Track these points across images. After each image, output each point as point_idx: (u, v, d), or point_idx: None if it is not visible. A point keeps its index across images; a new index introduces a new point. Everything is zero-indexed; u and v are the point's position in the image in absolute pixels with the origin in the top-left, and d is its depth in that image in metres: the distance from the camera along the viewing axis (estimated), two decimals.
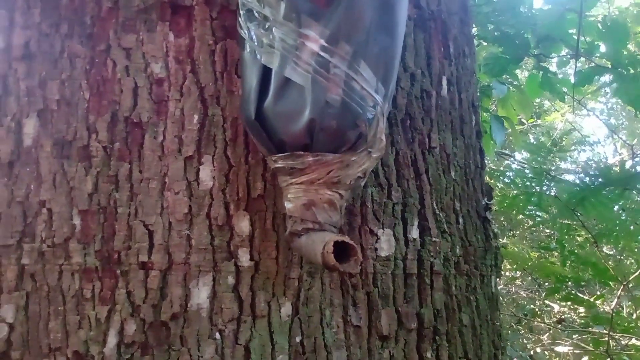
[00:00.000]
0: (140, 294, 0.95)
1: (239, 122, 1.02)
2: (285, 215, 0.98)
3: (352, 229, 1.10)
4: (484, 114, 3.27)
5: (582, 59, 3.03)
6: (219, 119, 1.02)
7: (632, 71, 2.36)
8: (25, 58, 1.02)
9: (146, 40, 1.01)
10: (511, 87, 3.30)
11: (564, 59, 2.99)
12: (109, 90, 1.00)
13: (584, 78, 2.88)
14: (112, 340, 0.94)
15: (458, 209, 1.26)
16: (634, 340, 3.54)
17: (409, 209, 1.16)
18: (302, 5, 0.89)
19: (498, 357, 1.25)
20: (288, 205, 0.94)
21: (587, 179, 2.19)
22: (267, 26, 0.91)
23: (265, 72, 0.91)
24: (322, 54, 0.88)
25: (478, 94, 1.52)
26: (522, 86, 3.54)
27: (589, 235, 2.58)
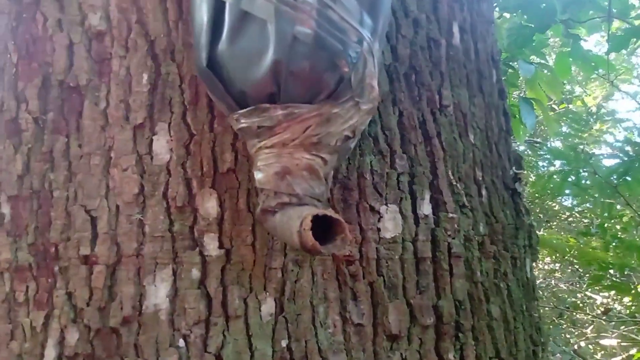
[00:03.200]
0: (83, 295, 0.77)
1: (201, 80, 0.83)
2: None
3: (348, 206, 0.90)
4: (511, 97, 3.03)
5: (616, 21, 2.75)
6: (174, 77, 0.84)
7: None
8: None
9: None
10: (538, 67, 3.05)
11: (596, 22, 2.70)
12: (40, 50, 0.83)
13: (619, 42, 2.60)
14: (50, 352, 0.76)
15: (480, 179, 1.04)
16: None
17: (418, 179, 0.95)
18: None
19: (538, 355, 1.03)
20: (258, 175, 0.75)
21: (629, 148, 1.92)
22: None
23: (219, 8, 0.72)
24: None
25: (498, 49, 1.29)
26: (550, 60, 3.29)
27: (634, 215, 2.30)
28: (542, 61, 3.18)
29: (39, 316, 0.77)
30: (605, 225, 3.17)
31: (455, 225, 0.96)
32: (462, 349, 0.91)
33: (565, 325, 5.18)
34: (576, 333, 5.01)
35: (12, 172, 0.81)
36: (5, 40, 0.84)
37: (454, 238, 0.95)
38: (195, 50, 0.74)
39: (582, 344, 4.73)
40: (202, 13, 0.72)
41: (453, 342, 0.90)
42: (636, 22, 2.58)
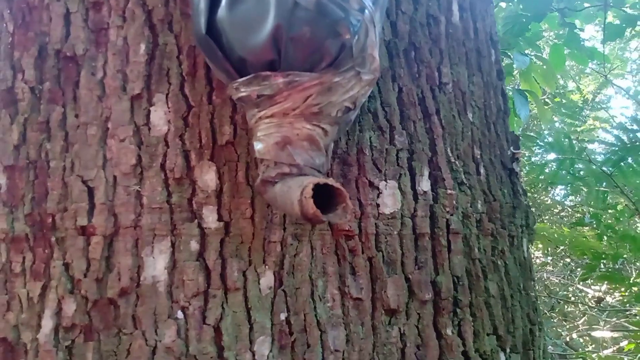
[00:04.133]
0: (80, 266, 0.76)
1: (199, 51, 0.83)
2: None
3: (348, 181, 0.89)
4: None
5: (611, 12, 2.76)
6: (172, 48, 0.83)
7: None
8: None
9: None
10: (533, 59, 3.06)
11: (591, 11, 2.71)
12: (36, 19, 0.81)
13: (614, 31, 2.62)
14: (47, 323, 0.75)
15: (478, 157, 1.04)
16: None
17: (417, 156, 0.95)
18: None
19: (535, 334, 1.03)
20: (258, 145, 0.75)
21: (625, 136, 1.93)
22: None
23: None
24: None
25: (496, 29, 1.29)
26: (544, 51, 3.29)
27: (627, 204, 2.31)
28: (537, 53, 3.19)
29: (36, 287, 0.76)
30: (599, 215, 3.19)
31: (454, 202, 0.96)
32: (460, 324, 0.91)
33: (557, 319, 5.21)
34: (568, 326, 5.05)
35: (8, 141, 0.80)
36: (1, 9, 0.82)
37: (452, 215, 0.95)
38: (194, 16, 0.73)
39: (574, 336, 4.77)
40: None
41: (451, 318, 0.90)
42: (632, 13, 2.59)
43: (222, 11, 0.70)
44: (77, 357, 0.74)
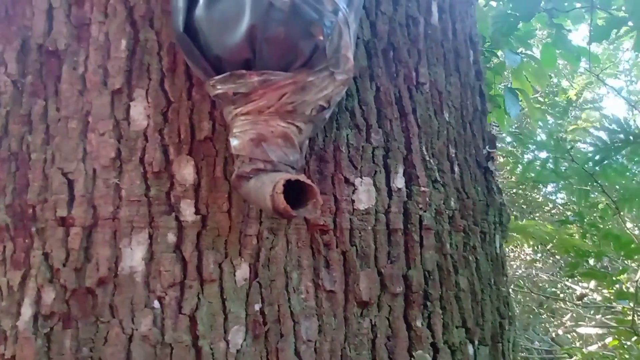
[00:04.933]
0: (59, 256, 0.79)
1: (179, 48, 0.85)
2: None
3: (324, 177, 0.92)
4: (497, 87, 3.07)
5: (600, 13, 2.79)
6: (152, 44, 0.85)
7: None
8: None
9: None
10: (525, 58, 3.09)
11: (580, 12, 2.74)
12: (19, 13, 0.83)
13: (601, 33, 2.65)
14: (26, 311, 0.78)
15: (453, 155, 1.07)
16: None
17: (392, 154, 0.98)
18: None
19: (504, 327, 1.07)
20: (234, 142, 0.77)
21: (607, 137, 1.97)
22: None
23: None
24: None
25: (482, 36, 1.32)
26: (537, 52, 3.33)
27: (609, 202, 2.35)
28: (529, 52, 3.22)
29: (16, 276, 0.78)
30: (582, 213, 3.23)
31: (427, 199, 0.99)
32: (430, 317, 0.94)
33: (545, 315, 5.28)
34: (555, 322, 5.11)
35: None
36: None
37: (425, 211, 0.98)
38: (172, 14, 0.75)
39: (560, 332, 4.83)
40: None
41: (421, 310, 0.93)
42: (619, 15, 2.62)
43: (199, 10, 0.72)
44: (55, 344, 0.77)
